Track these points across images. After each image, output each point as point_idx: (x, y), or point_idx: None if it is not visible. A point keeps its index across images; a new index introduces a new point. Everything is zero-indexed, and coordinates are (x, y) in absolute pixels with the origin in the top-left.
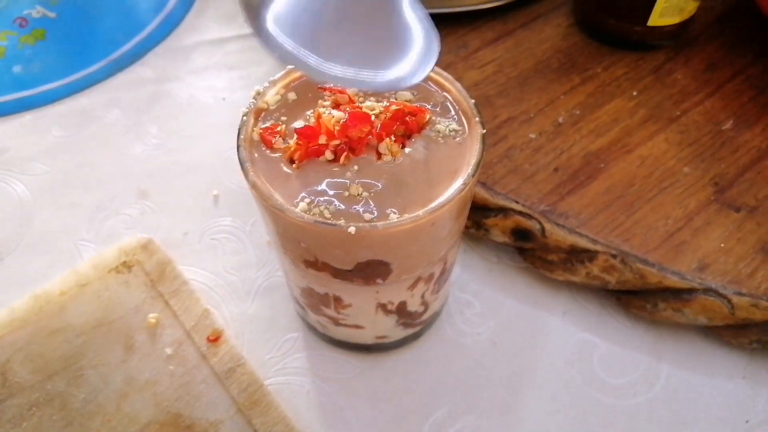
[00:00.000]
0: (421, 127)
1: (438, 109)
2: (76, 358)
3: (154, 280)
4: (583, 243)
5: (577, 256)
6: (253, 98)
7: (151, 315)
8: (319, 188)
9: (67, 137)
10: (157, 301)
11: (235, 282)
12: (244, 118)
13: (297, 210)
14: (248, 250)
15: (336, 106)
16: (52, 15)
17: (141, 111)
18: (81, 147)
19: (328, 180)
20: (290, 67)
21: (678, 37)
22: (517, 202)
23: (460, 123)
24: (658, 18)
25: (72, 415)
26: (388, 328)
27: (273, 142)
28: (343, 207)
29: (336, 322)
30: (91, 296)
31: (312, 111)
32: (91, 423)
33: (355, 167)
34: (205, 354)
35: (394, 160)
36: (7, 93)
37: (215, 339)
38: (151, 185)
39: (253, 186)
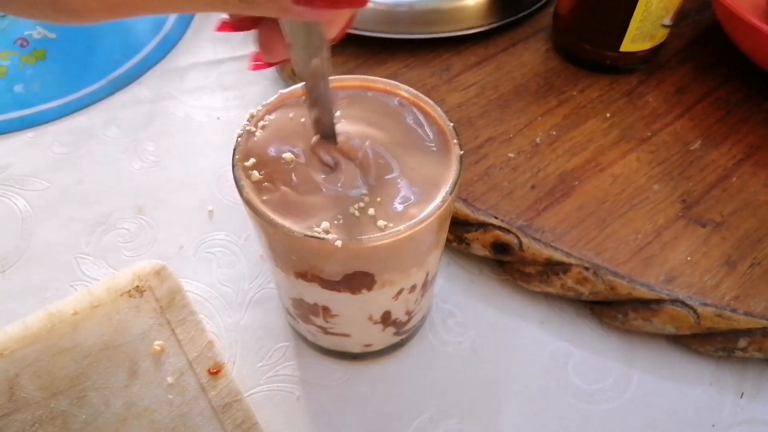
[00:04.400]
0: None
1: (419, 130)
2: (81, 378)
3: (163, 306)
4: (558, 256)
5: (552, 268)
6: (247, 120)
7: (156, 342)
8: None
9: (67, 154)
10: (164, 329)
11: (229, 293)
12: (239, 139)
13: (287, 225)
14: (242, 263)
15: None
16: (52, 36)
17: (138, 129)
18: (80, 164)
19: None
20: (282, 91)
21: (649, 61)
22: (496, 218)
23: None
24: (630, 44)
25: None
26: (374, 336)
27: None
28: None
29: (325, 331)
30: (102, 318)
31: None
32: None
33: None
34: (204, 386)
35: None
36: (9, 111)
37: (216, 372)
38: (148, 201)
39: (248, 203)
